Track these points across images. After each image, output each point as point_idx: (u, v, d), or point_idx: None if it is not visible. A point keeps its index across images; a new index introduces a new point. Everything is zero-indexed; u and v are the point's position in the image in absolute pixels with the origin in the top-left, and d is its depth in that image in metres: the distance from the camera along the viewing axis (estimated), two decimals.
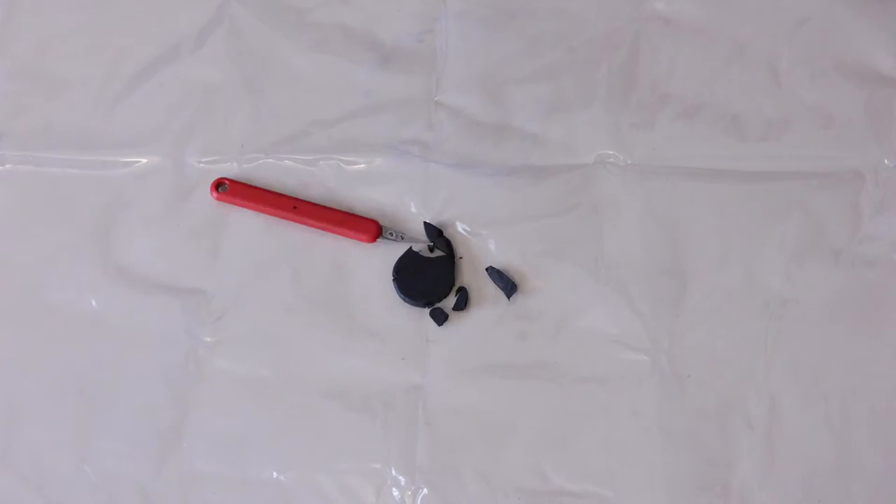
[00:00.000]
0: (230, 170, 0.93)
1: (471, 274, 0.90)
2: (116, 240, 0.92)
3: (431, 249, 0.89)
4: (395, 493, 0.85)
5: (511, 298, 0.88)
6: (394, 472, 0.85)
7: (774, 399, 0.85)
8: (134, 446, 0.87)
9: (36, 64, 0.97)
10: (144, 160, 0.94)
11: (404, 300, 0.89)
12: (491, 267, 0.89)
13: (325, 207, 0.91)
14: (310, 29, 0.97)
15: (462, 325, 0.88)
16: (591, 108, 0.94)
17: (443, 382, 0.87)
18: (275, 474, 0.85)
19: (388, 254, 0.90)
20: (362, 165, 0.93)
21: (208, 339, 0.89)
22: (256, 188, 0.92)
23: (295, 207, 0.90)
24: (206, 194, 0.93)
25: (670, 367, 0.86)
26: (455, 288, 0.89)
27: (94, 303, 0.90)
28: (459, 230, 0.91)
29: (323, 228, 0.90)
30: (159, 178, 0.94)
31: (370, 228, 0.89)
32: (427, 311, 0.88)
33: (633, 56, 0.95)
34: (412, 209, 0.92)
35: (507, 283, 0.87)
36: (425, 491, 0.85)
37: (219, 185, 0.92)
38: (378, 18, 0.97)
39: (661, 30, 0.95)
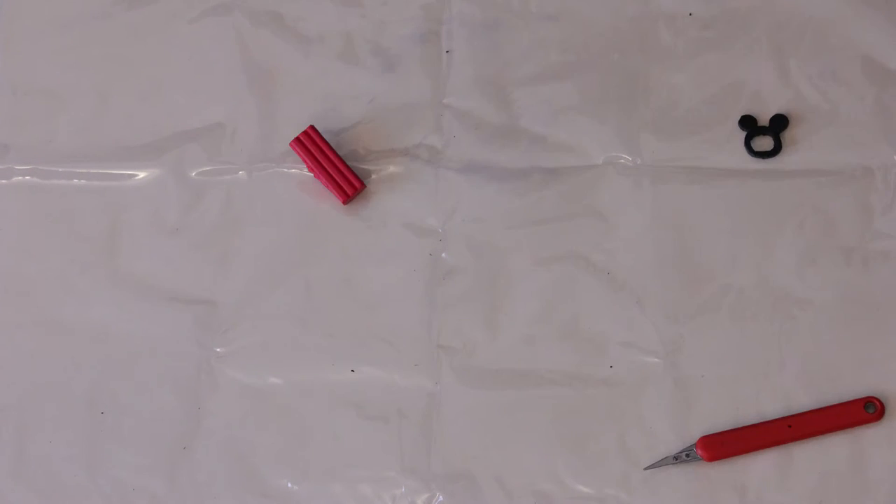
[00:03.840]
0: (239, 179, 0.93)
1: (486, 278, 0.90)
2: (125, 251, 0.92)
3: None
4: (410, 500, 0.84)
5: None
6: (409, 479, 0.85)
7: (789, 398, 0.85)
8: (146, 458, 0.86)
9: (38, 77, 0.97)
10: (150, 171, 0.93)
11: None
12: None
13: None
14: (313, 35, 0.96)
15: (473, 331, 0.88)
16: (599, 108, 0.93)
17: (456, 388, 0.87)
18: (289, 484, 0.85)
19: (394, 260, 0.90)
20: (371, 172, 0.93)
21: (219, 350, 0.89)
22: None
23: (790, 426, 0.84)
24: (213, 203, 0.92)
25: (684, 369, 0.86)
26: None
27: (103, 315, 0.90)
28: (470, 234, 0.91)
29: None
30: (166, 189, 0.93)
31: None
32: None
33: (641, 56, 0.94)
34: (423, 215, 0.91)
35: None
36: (440, 498, 0.84)
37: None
38: (382, 23, 0.96)
39: (668, 29, 0.95)
